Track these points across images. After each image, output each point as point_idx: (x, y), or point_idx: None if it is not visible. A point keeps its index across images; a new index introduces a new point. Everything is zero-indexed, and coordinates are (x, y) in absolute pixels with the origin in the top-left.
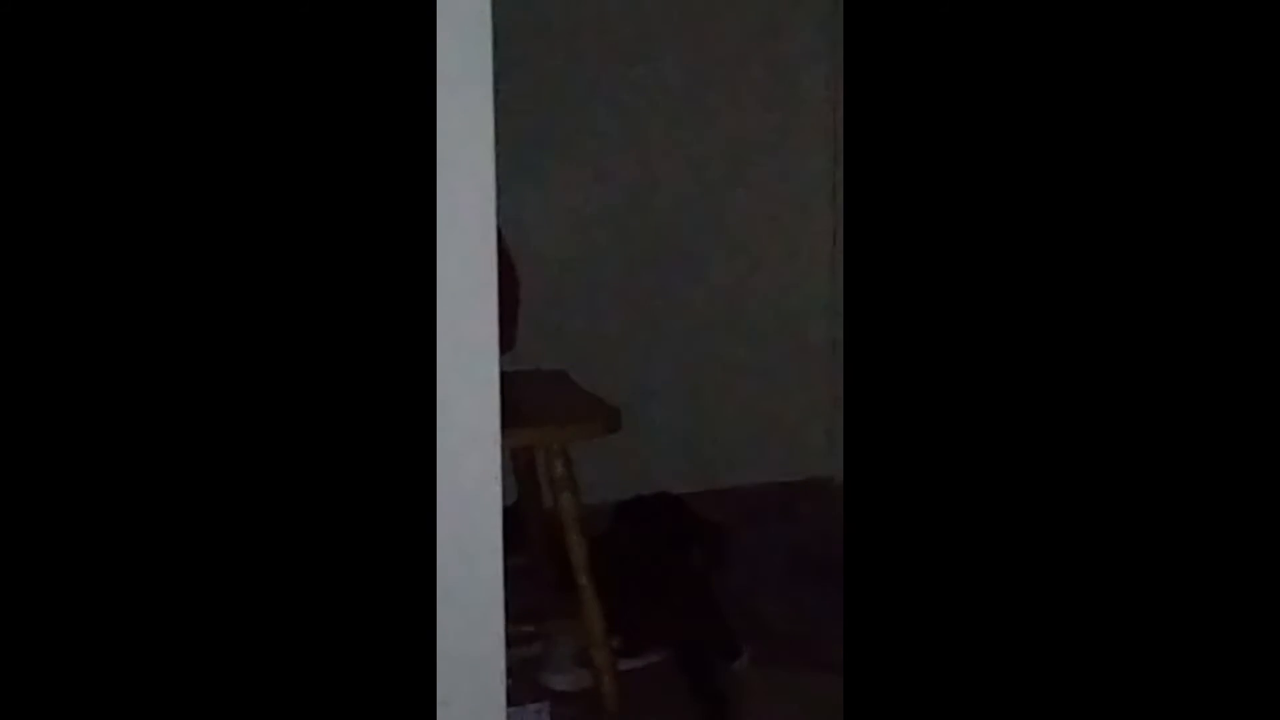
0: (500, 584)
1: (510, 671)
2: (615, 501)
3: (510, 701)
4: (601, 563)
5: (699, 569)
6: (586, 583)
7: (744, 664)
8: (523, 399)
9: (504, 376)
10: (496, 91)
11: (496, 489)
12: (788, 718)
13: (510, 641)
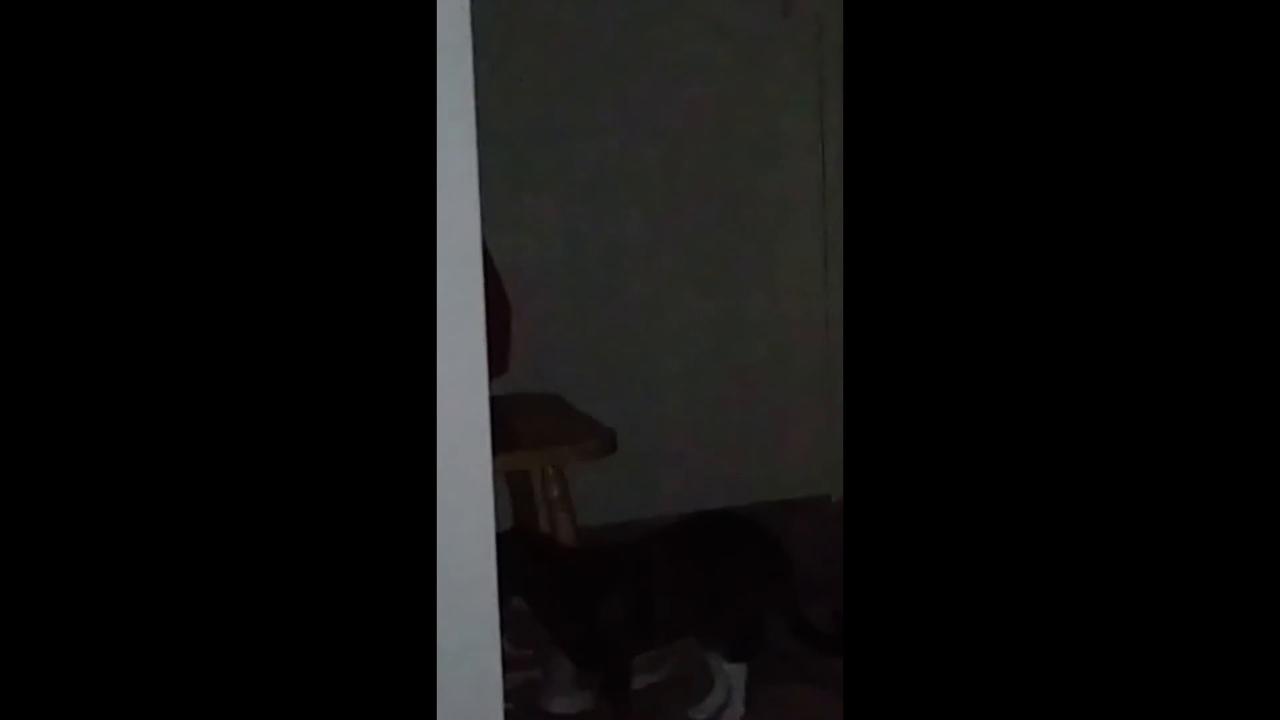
0: (496, 608)
1: (509, 696)
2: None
3: None
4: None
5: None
6: None
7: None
8: (517, 422)
9: (498, 401)
10: (483, 115)
11: (490, 513)
12: None
13: (509, 665)
